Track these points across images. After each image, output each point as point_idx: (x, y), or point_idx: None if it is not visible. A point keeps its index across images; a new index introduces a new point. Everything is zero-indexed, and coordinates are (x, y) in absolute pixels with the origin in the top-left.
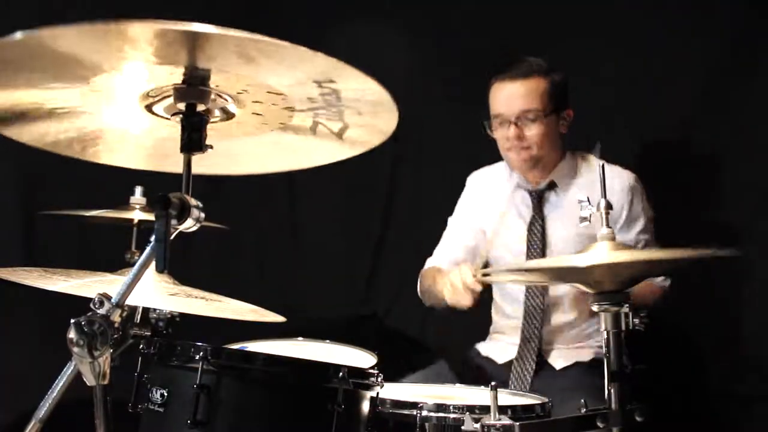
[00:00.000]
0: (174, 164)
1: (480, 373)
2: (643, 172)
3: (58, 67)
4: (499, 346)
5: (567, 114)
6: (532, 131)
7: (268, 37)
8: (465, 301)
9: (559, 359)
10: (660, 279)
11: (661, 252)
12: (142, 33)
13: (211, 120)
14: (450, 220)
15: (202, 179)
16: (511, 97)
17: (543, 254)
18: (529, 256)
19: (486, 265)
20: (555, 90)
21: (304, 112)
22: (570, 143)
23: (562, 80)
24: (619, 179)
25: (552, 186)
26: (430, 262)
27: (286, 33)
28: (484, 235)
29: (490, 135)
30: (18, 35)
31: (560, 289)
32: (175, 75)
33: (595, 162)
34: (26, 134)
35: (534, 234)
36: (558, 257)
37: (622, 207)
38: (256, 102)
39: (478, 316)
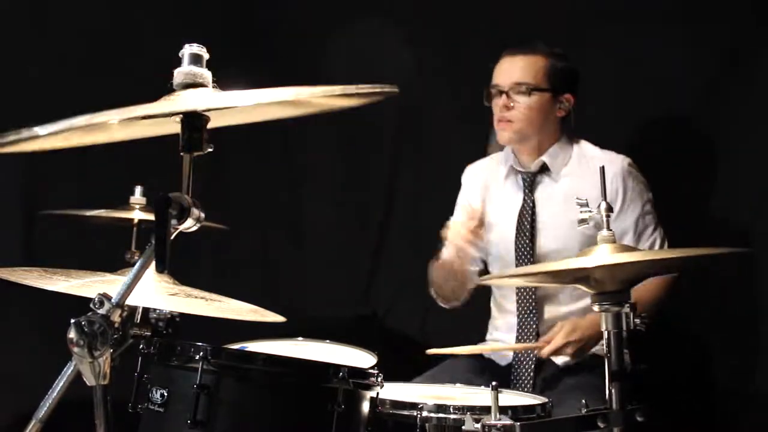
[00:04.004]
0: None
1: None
2: (644, 169)
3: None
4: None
5: (565, 98)
6: (521, 104)
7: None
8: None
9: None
10: None
11: (664, 252)
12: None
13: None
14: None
15: (203, 179)
16: (508, 69)
17: (532, 239)
18: (518, 239)
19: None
20: (554, 71)
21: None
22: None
23: (565, 66)
24: (614, 163)
25: (544, 169)
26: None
27: (289, 32)
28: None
29: (487, 104)
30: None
31: (552, 286)
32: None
33: (589, 148)
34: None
35: (524, 217)
36: (559, 261)
37: (617, 191)
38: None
39: (478, 312)
